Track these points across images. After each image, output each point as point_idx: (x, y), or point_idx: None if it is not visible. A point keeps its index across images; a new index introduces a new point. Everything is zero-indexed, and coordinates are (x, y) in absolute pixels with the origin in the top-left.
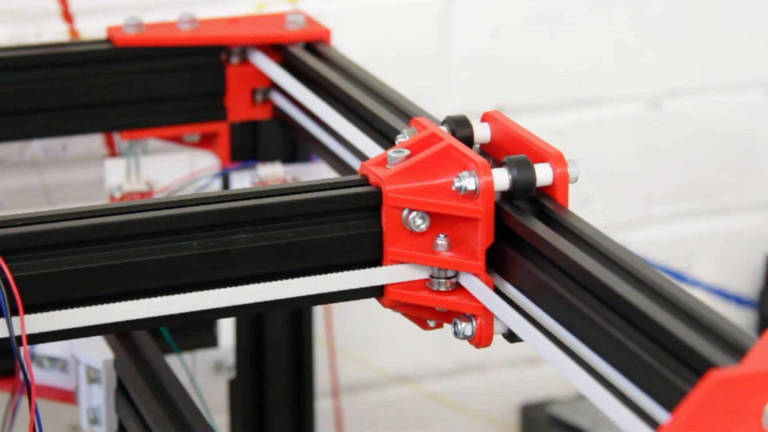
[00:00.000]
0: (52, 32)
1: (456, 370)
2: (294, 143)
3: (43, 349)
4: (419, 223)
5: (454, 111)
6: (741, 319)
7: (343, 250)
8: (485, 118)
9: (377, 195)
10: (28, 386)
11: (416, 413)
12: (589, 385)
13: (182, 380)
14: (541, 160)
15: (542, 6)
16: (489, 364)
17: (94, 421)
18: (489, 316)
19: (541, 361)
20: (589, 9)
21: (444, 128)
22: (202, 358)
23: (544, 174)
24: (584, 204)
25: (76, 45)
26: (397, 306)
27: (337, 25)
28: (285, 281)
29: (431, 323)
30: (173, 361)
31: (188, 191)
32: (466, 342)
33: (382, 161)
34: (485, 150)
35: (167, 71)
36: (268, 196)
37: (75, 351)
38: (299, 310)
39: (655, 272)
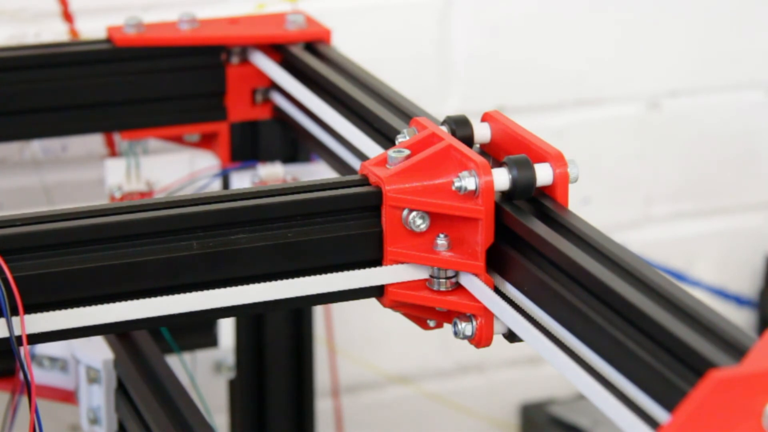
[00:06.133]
0: (52, 32)
1: (456, 370)
2: (294, 143)
3: (43, 349)
4: (419, 223)
5: (454, 111)
6: (741, 319)
7: (343, 250)
8: (485, 118)
9: (377, 195)
10: (28, 386)
11: (416, 413)
12: (589, 385)
13: (182, 380)
14: (541, 160)
15: (542, 6)
16: (489, 364)
17: (94, 421)
18: (489, 316)
19: (541, 361)
20: (589, 9)
21: (444, 128)
22: (202, 358)
23: (544, 174)
24: (584, 204)
25: (76, 45)
26: (397, 306)
27: (337, 25)
28: (285, 281)
29: (431, 323)
30: (173, 361)
31: (188, 191)
32: (466, 342)
33: (382, 161)
34: (485, 150)
35: (167, 71)
36: (268, 196)
37: (75, 351)
38: (299, 310)
39: (655, 272)
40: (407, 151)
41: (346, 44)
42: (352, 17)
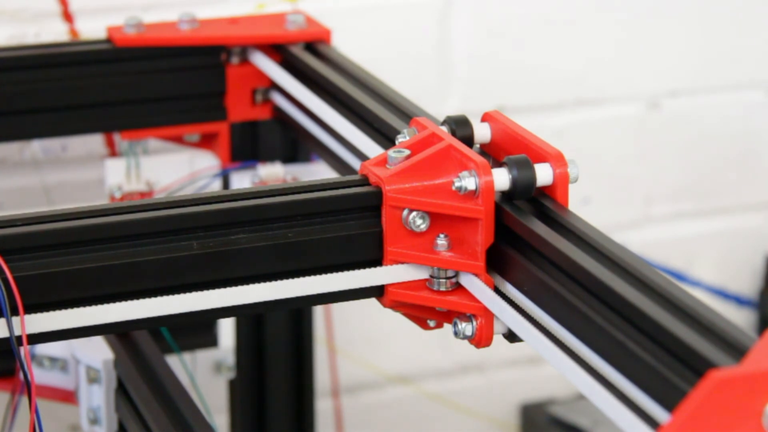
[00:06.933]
0: (52, 32)
1: (456, 370)
2: (294, 143)
3: (43, 349)
4: (419, 223)
5: (454, 111)
6: (741, 319)
7: (343, 250)
8: (485, 118)
9: (377, 195)
10: (28, 386)
11: (416, 413)
12: (589, 385)
13: (182, 380)
14: (541, 160)
15: (542, 6)
16: (489, 364)
17: (94, 421)
18: (489, 316)
19: (541, 361)
20: (589, 9)
21: (444, 128)
22: (202, 358)
23: (544, 174)
24: (584, 204)
25: (76, 45)
26: (397, 306)
27: (337, 25)
28: (285, 281)
29: (431, 323)
30: (173, 361)
31: (188, 191)
32: (466, 342)
33: (383, 161)
34: (485, 150)
35: (167, 71)
36: (268, 196)
37: (75, 351)
38: (299, 310)
39: (655, 272)
40: (407, 151)
41: (346, 44)
42: (352, 17)
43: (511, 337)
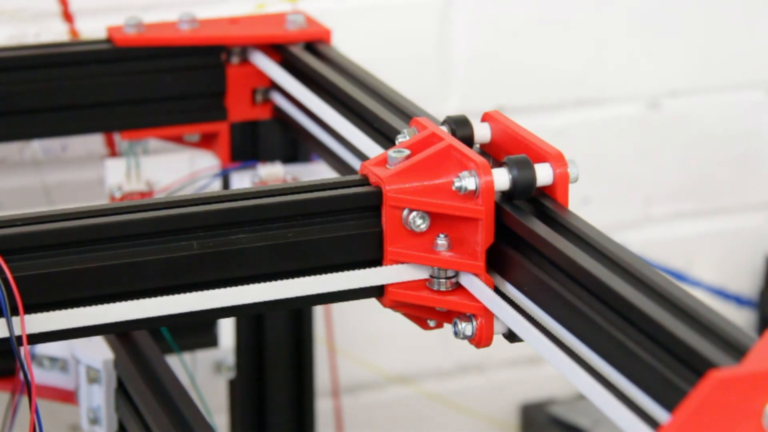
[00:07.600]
0: (52, 32)
1: (456, 370)
2: (294, 143)
3: (43, 349)
4: (419, 223)
5: (454, 111)
6: (741, 319)
7: (343, 250)
8: (485, 118)
9: (377, 195)
10: (28, 386)
11: (416, 413)
12: (589, 385)
13: (182, 380)
14: (542, 160)
15: (542, 6)
16: (489, 364)
17: (94, 421)
18: (489, 316)
19: (541, 361)
20: (589, 9)
21: (444, 128)
22: (202, 358)
23: (544, 174)
24: (584, 204)
25: (76, 45)
26: (397, 306)
27: (337, 25)
28: (285, 281)
29: (431, 323)
30: (173, 361)
31: (188, 191)
32: (466, 342)
33: (383, 161)
34: (485, 150)
35: (167, 71)
36: (268, 196)
37: (75, 351)
38: (299, 310)
39: (655, 272)
40: (407, 151)
41: (346, 44)
42: (352, 17)
43: (511, 337)
